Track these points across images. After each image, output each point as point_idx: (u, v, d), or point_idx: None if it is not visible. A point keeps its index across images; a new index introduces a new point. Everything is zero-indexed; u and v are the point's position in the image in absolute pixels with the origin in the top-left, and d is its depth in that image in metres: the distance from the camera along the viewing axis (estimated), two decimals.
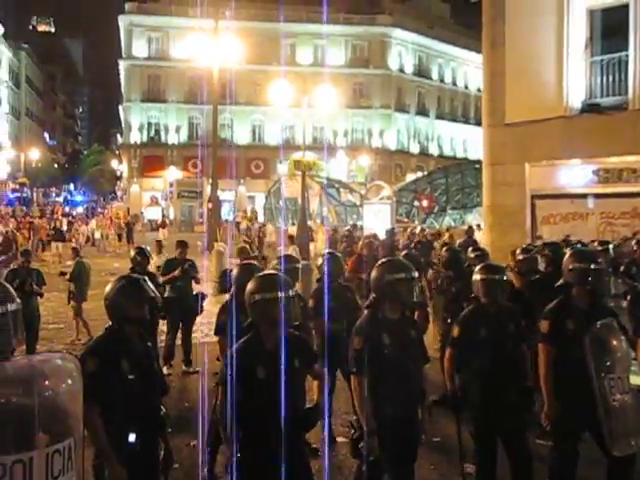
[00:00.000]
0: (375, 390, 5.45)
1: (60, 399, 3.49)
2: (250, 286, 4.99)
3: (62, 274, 15.54)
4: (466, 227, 28.77)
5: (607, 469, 5.96)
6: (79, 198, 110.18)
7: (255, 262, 8.25)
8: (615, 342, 5.84)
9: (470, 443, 6.85)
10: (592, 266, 6.08)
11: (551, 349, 6.06)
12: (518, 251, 10.25)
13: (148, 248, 12.62)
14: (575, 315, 6.02)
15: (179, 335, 12.68)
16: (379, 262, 6.05)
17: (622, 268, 12.44)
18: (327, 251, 9.65)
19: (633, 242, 13.03)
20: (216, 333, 7.70)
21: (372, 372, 5.44)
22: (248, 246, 15.03)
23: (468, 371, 6.42)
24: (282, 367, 4.66)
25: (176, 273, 12.51)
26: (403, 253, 12.34)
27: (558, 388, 6.00)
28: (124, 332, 4.98)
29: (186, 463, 7.77)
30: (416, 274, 5.74)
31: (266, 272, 5.68)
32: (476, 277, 6.61)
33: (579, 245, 11.86)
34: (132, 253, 12.67)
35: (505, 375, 6.23)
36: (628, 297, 12.05)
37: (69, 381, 3.55)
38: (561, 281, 6.47)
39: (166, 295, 12.28)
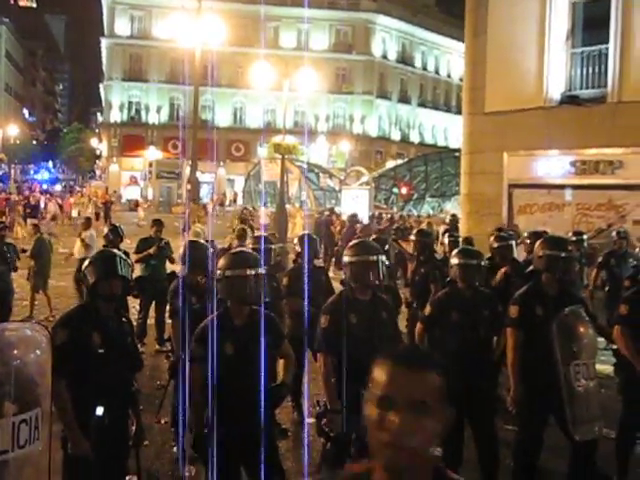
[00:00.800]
0: (341, 369, 5.50)
1: (28, 369, 3.50)
2: (221, 263, 5.02)
3: (23, 251, 15.44)
4: (445, 215, 29.02)
5: (570, 453, 6.06)
6: (58, 176, 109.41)
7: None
8: (582, 329, 5.93)
9: None
10: (562, 254, 6.16)
11: (519, 334, 6.14)
12: (492, 239, 10.31)
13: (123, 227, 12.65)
14: (544, 301, 6.10)
15: (152, 314, 12.70)
16: (349, 244, 6.12)
17: (600, 259, 12.59)
18: (303, 233, 9.72)
19: (613, 233, 13.16)
20: (170, 315, 7.62)
21: (338, 351, 5.49)
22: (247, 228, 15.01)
23: (438, 352, 6.48)
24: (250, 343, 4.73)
25: (151, 251, 12.51)
26: (373, 237, 12.39)
27: (525, 372, 6.08)
28: (97, 306, 5.00)
29: (157, 441, 7.81)
30: (383, 257, 5.80)
31: (237, 249, 5.71)
32: (453, 261, 6.68)
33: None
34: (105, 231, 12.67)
35: (474, 359, 6.30)
36: (606, 288, 12.23)
37: (37, 351, 3.56)
38: (531, 267, 6.56)
39: (140, 274, 12.30)
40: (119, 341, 5.04)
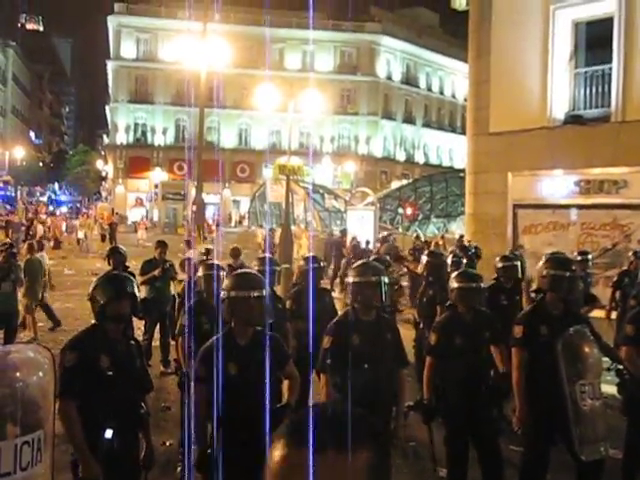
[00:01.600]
0: (343, 389, 5.50)
1: (31, 391, 3.49)
2: (226, 283, 5.04)
3: None
4: (452, 235, 29.06)
5: (576, 474, 6.03)
6: (63, 198, 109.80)
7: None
8: (587, 349, 5.91)
9: (443, 448, 6.91)
10: (566, 274, 6.16)
11: (524, 354, 6.12)
12: (497, 259, 10.32)
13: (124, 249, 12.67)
14: (548, 321, 6.09)
15: (156, 336, 12.70)
16: (354, 265, 6.14)
17: (615, 279, 12.57)
18: (309, 255, 9.72)
19: (630, 253, 13.14)
20: (179, 334, 7.72)
21: (340, 372, 5.49)
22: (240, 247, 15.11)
23: (443, 377, 6.49)
24: (253, 364, 4.73)
25: (155, 273, 12.51)
26: (372, 257, 12.39)
27: (530, 392, 6.07)
28: (105, 328, 5.01)
29: (161, 460, 7.79)
30: (385, 278, 5.80)
31: (241, 271, 5.72)
32: (453, 284, 6.67)
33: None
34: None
35: (478, 380, 6.31)
36: (618, 309, 12.24)
37: (40, 373, 3.56)
38: (535, 287, 6.57)
39: (144, 295, 12.30)
40: (128, 363, 5.04)
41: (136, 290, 5.18)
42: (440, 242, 26.48)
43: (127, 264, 12.00)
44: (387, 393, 5.68)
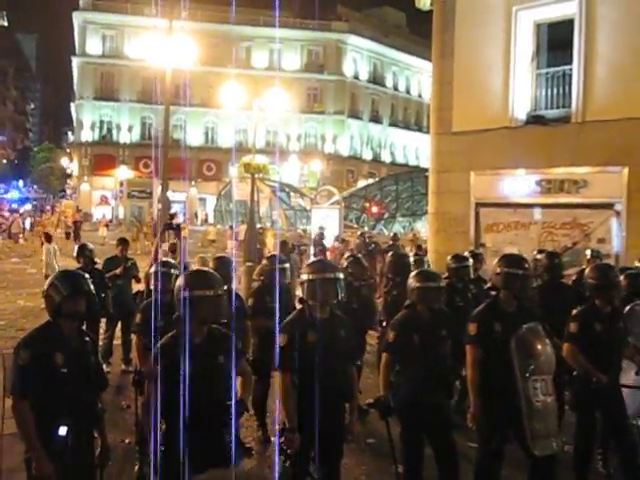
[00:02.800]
0: (300, 387, 5.53)
1: None
2: (181, 282, 5.04)
3: None
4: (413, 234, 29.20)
5: (529, 469, 6.13)
6: (29, 195, 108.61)
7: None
8: (540, 345, 6.01)
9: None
10: (519, 272, 6.25)
11: (477, 351, 6.21)
12: (449, 259, 10.32)
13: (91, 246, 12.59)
14: (502, 318, 6.18)
15: (117, 334, 12.65)
16: (308, 263, 6.18)
17: (574, 277, 12.72)
18: (272, 253, 9.78)
19: (587, 251, 13.29)
20: (133, 332, 7.82)
21: (297, 369, 5.53)
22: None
23: (400, 374, 6.54)
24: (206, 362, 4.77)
25: (117, 271, 12.46)
26: (346, 256, 12.40)
27: (484, 389, 6.15)
28: (59, 326, 4.99)
29: (120, 460, 7.78)
30: (340, 275, 5.84)
31: (196, 269, 5.73)
32: (412, 284, 6.71)
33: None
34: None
35: (435, 377, 6.37)
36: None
37: None
38: (488, 285, 6.66)
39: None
40: (82, 360, 5.03)
41: (92, 288, 5.16)
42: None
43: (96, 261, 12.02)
44: (341, 390, 5.71)
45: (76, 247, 13.41)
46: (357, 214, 47.45)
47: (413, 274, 6.88)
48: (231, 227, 42.58)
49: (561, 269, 9.65)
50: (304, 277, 5.83)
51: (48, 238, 17.14)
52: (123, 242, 13.21)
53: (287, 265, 9.44)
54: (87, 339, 5.21)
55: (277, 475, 5.67)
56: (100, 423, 5.22)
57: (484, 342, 6.18)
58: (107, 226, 47.89)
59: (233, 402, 4.88)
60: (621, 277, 7.40)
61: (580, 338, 6.75)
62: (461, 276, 9.67)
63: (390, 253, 12.21)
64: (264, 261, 9.69)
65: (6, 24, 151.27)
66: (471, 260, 10.13)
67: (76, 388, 4.86)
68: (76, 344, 5.05)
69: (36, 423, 4.72)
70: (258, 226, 32.11)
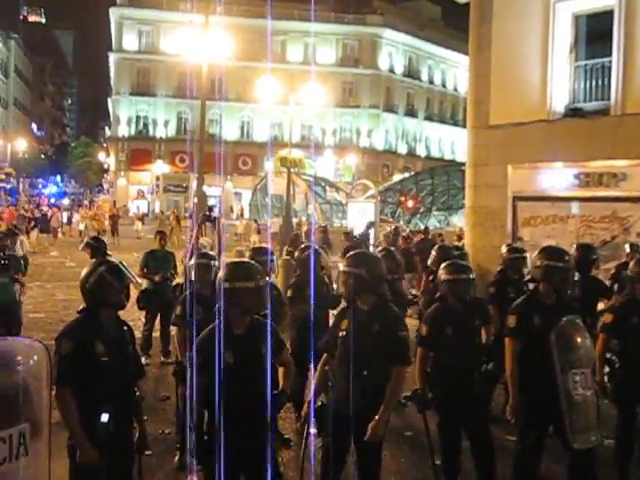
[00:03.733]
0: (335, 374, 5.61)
1: (8, 386, 3.46)
2: (222, 274, 5.09)
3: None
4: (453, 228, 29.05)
5: (568, 463, 6.10)
6: (66, 190, 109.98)
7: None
8: (579, 338, 5.97)
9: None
10: (560, 264, 6.22)
11: (517, 344, 6.19)
12: (504, 249, 10.27)
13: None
14: (541, 311, 6.15)
15: (157, 327, 12.78)
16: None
17: (612, 271, 12.59)
18: (307, 244, 9.80)
19: (626, 246, 13.14)
20: (173, 324, 7.89)
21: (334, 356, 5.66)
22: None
23: (435, 367, 6.56)
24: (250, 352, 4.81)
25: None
26: (380, 249, 12.36)
27: (523, 382, 6.13)
28: (99, 315, 5.08)
29: (160, 450, 7.88)
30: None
31: (237, 260, 5.76)
32: (441, 276, 6.75)
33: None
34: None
35: (469, 369, 6.39)
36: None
37: (19, 368, 3.53)
38: (529, 277, 6.64)
39: (145, 286, 12.39)
40: (121, 349, 5.11)
41: (127, 279, 5.25)
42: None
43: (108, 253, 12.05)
44: (373, 383, 5.61)
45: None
46: (392, 208, 47.33)
47: (443, 266, 6.91)
48: (255, 220, 42.75)
49: (590, 262, 9.55)
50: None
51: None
52: (161, 235, 13.33)
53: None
54: (125, 328, 5.30)
55: (313, 461, 5.70)
56: (138, 411, 5.30)
57: (523, 335, 6.16)
58: (142, 220, 48.30)
59: (271, 393, 4.91)
60: None
61: (614, 330, 6.79)
62: (518, 267, 9.60)
63: (436, 247, 12.12)
64: (297, 252, 9.76)
65: (44, 21, 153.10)
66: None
67: (116, 376, 4.95)
68: (115, 333, 5.14)
69: (79, 411, 4.80)
70: (295, 220, 32.22)
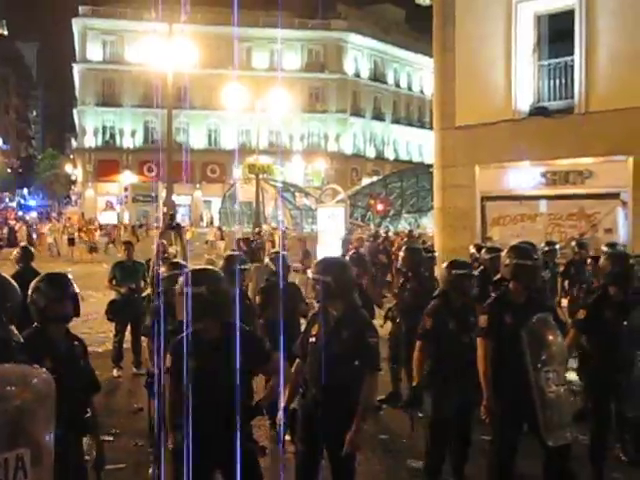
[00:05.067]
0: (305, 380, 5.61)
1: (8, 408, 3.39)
2: (182, 281, 5.06)
3: None
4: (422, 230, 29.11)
5: (544, 460, 6.11)
6: (33, 203, 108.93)
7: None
8: (551, 336, 5.97)
9: (417, 440, 7.02)
10: (528, 262, 6.23)
11: (489, 343, 6.18)
12: (483, 251, 10.34)
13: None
14: (512, 310, 6.14)
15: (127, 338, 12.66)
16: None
17: (562, 269, 12.76)
18: (275, 250, 9.82)
19: (573, 243, 13.31)
20: (144, 334, 7.83)
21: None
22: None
23: (432, 362, 6.63)
24: (221, 360, 4.77)
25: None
26: (351, 253, 12.42)
27: (497, 381, 6.13)
28: (47, 331, 4.91)
29: (133, 462, 7.80)
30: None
31: (198, 267, 5.67)
32: (445, 273, 6.97)
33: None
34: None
35: (465, 364, 6.40)
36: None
37: (12, 388, 3.46)
38: (498, 276, 6.67)
39: (114, 297, 12.34)
40: (71, 365, 4.93)
41: (77, 290, 5.06)
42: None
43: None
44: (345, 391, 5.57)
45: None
46: (362, 212, 47.39)
47: (447, 264, 7.09)
48: (219, 228, 42.61)
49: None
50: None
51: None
52: (128, 245, 13.26)
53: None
54: (76, 343, 5.12)
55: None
56: (92, 427, 5.15)
57: (495, 335, 6.16)
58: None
59: (242, 402, 4.86)
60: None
61: (586, 326, 6.87)
62: (497, 267, 9.70)
63: (404, 248, 12.17)
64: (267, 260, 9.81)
65: (6, 33, 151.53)
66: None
67: (66, 393, 4.80)
68: (65, 348, 4.97)
69: None
70: (257, 229, 32.18)
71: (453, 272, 6.85)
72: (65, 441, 4.70)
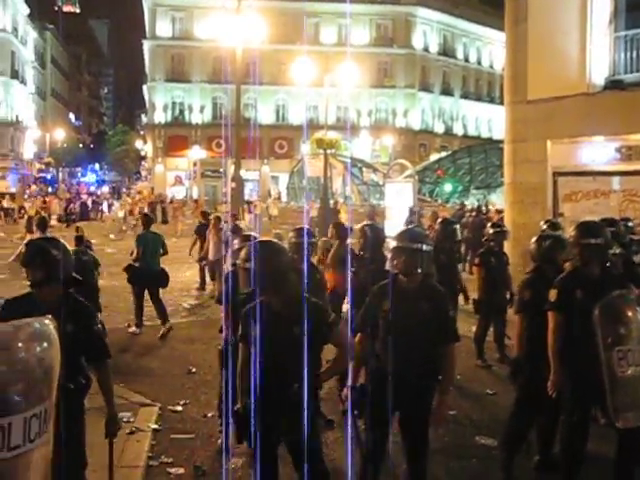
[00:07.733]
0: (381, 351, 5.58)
1: (35, 363, 3.45)
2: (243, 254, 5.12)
3: None
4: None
5: (616, 443, 5.96)
6: (104, 178, 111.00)
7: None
8: (630, 314, 5.77)
9: (484, 417, 6.92)
10: (592, 241, 6.04)
11: (559, 317, 6.03)
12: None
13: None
14: (584, 285, 5.98)
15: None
16: None
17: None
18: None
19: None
20: (217, 302, 8.15)
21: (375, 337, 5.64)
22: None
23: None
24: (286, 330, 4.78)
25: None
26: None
27: (565, 357, 5.99)
28: (34, 294, 5.01)
29: (203, 433, 7.90)
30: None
31: (266, 239, 5.66)
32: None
33: None
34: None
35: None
36: None
37: (45, 345, 3.53)
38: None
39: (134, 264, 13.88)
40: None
41: (55, 255, 4.96)
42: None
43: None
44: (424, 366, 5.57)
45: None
46: (430, 188, 47.08)
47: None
48: (248, 202, 42.50)
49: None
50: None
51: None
52: (145, 218, 15.11)
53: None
54: (79, 307, 5.13)
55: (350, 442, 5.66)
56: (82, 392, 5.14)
57: (565, 309, 6.01)
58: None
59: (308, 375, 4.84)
60: None
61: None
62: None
63: (439, 220, 12.23)
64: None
65: (78, 11, 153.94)
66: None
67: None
68: (55, 311, 4.90)
69: None
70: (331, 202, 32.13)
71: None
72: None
